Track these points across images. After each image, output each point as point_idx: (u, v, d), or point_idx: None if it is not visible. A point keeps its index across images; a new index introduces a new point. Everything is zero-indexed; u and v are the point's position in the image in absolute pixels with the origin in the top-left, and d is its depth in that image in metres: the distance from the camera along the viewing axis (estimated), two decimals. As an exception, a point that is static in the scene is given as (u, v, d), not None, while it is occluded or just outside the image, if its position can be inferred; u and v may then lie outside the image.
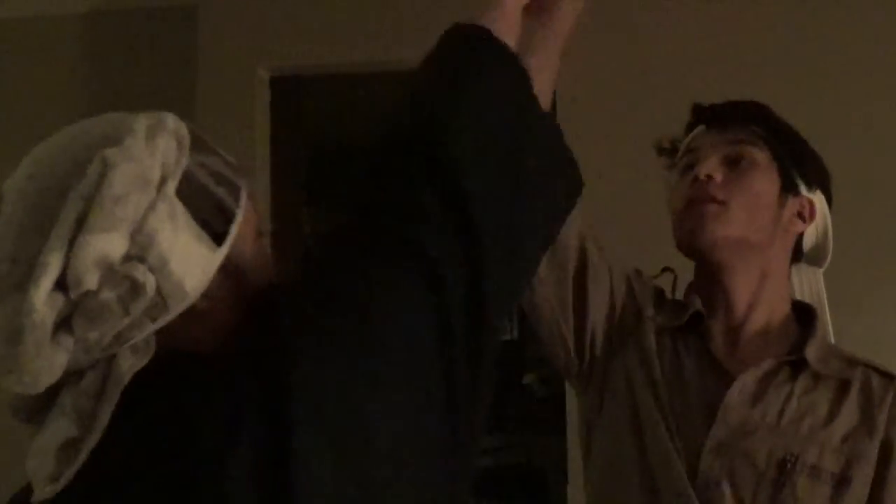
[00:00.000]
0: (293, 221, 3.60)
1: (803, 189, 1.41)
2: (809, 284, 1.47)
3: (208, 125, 3.50)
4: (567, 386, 2.96)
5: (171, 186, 0.82)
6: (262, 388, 0.78)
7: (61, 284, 0.77)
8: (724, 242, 1.33)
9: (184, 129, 0.87)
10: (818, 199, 1.43)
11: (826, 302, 1.47)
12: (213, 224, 0.84)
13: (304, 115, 3.99)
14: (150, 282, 0.78)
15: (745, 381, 1.32)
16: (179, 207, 0.81)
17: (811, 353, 1.34)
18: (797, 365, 1.35)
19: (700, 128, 1.44)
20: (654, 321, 1.40)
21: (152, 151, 0.82)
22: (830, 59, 2.92)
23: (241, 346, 0.83)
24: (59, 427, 0.79)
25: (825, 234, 1.44)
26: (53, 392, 0.81)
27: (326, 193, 4.91)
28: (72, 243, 0.77)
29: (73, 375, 0.81)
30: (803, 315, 1.43)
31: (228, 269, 0.86)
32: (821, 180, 1.44)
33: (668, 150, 1.49)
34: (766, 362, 1.34)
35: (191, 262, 0.81)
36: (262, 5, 3.17)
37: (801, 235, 1.43)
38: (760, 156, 1.38)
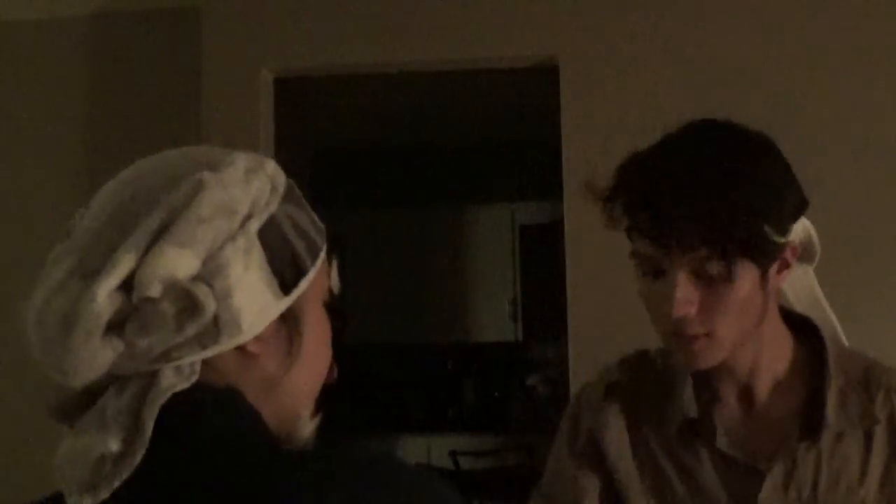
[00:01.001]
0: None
1: (781, 241, 1.21)
2: (801, 284, 1.37)
3: (212, 126, 3.52)
4: (570, 387, 2.96)
5: (255, 225, 0.84)
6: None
7: (127, 286, 0.79)
8: (720, 361, 1.26)
9: (282, 178, 0.89)
10: (798, 228, 1.26)
11: (822, 295, 1.37)
12: (285, 275, 0.86)
13: (308, 116, 4.00)
14: (210, 305, 0.80)
15: (774, 476, 1.26)
16: (257, 247, 0.83)
17: (831, 415, 1.26)
18: (816, 423, 1.27)
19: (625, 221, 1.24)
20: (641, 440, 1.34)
21: (247, 187, 0.84)
22: (832, 59, 2.93)
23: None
24: (98, 437, 0.80)
25: (808, 235, 1.30)
26: (92, 397, 0.83)
27: (331, 194, 4.92)
28: (147, 249, 0.79)
29: (114, 383, 0.82)
30: (806, 330, 1.34)
31: (287, 320, 0.87)
32: (796, 212, 1.24)
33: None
34: (786, 450, 1.26)
35: (253, 301, 0.83)
36: (266, 7, 3.17)
37: None
38: (726, 269, 1.17)
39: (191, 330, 0.80)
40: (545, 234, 4.71)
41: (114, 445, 0.79)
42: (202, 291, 0.80)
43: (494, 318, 5.87)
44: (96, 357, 0.79)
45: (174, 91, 3.30)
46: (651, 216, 1.16)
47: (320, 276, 0.91)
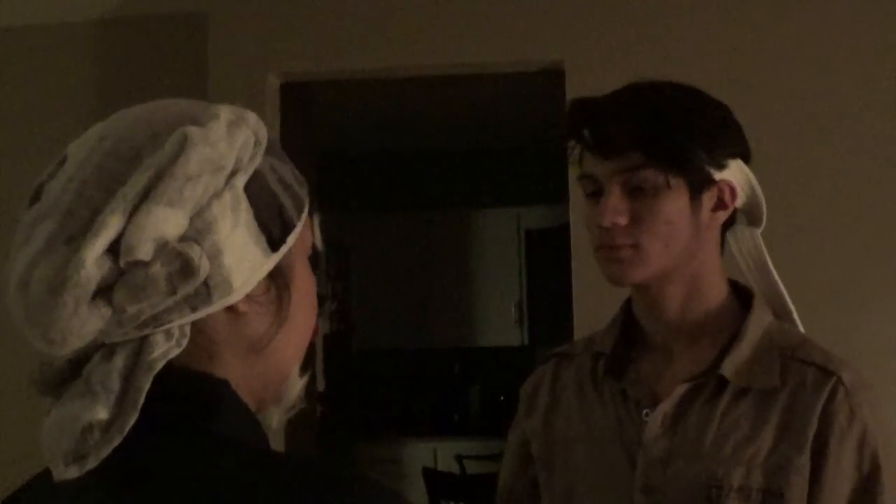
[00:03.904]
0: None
1: (715, 174, 1.27)
2: (748, 246, 1.37)
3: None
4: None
5: (241, 180, 0.81)
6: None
7: (113, 249, 0.76)
8: (646, 279, 1.28)
9: (263, 129, 0.87)
10: (735, 168, 1.29)
11: (770, 263, 1.37)
12: (273, 231, 0.83)
13: (314, 121, 4.00)
14: (204, 265, 0.77)
15: (664, 412, 1.27)
16: (244, 203, 0.81)
17: (729, 367, 1.27)
18: (711, 372, 1.28)
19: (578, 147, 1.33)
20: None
21: (231, 141, 0.81)
22: (836, 62, 2.92)
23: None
24: (85, 405, 0.76)
25: (753, 192, 1.32)
26: (76, 366, 0.80)
27: (337, 199, 4.93)
28: (134, 210, 0.76)
29: (100, 350, 0.79)
30: (745, 299, 1.35)
31: (276, 278, 0.84)
32: (731, 148, 1.29)
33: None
34: (679, 388, 1.27)
35: (243, 259, 0.80)
36: (273, 13, 3.18)
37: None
38: (660, 178, 1.24)
39: (183, 291, 0.77)
40: (551, 238, 4.70)
41: (102, 413, 0.76)
42: (195, 252, 0.77)
43: (500, 323, 5.87)
44: (84, 325, 0.76)
45: (181, 96, 3.30)
46: (591, 128, 1.27)
47: (305, 231, 0.88)
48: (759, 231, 1.36)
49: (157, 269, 0.76)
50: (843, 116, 2.89)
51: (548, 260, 4.94)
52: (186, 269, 0.76)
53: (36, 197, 0.83)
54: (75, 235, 0.76)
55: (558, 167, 3.26)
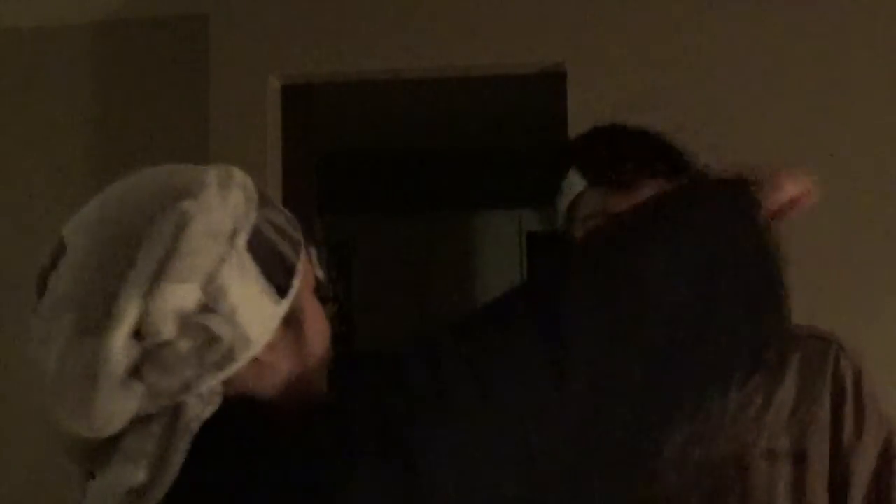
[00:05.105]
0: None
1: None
2: None
3: (220, 133, 3.52)
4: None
5: (242, 239, 0.84)
6: (382, 436, 0.78)
7: (136, 332, 0.79)
8: None
9: (250, 183, 0.90)
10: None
11: None
12: (279, 279, 0.87)
13: (315, 123, 4.00)
14: (226, 333, 0.80)
15: None
16: (248, 260, 0.84)
17: None
18: None
19: (581, 183, 1.39)
20: None
21: (225, 204, 0.84)
22: (838, 63, 2.92)
23: (343, 402, 0.85)
24: (125, 472, 0.79)
25: None
26: (115, 438, 0.82)
27: (338, 201, 4.92)
28: (149, 292, 0.79)
29: (138, 421, 0.81)
30: None
31: (290, 322, 0.88)
32: (685, 164, 1.40)
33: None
34: None
35: (256, 314, 0.84)
36: (273, 14, 3.17)
37: None
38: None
39: (210, 360, 0.80)
40: (553, 241, 4.70)
41: (142, 477, 0.79)
42: (215, 322, 0.80)
43: (502, 325, 5.86)
44: (124, 407, 0.79)
45: (181, 98, 3.31)
46: (600, 170, 1.35)
47: (306, 269, 0.92)
48: None
49: (183, 345, 0.79)
50: (850, 115, 2.89)
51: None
52: (210, 339, 0.80)
53: (41, 287, 0.85)
54: (96, 325, 0.79)
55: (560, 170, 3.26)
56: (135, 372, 0.79)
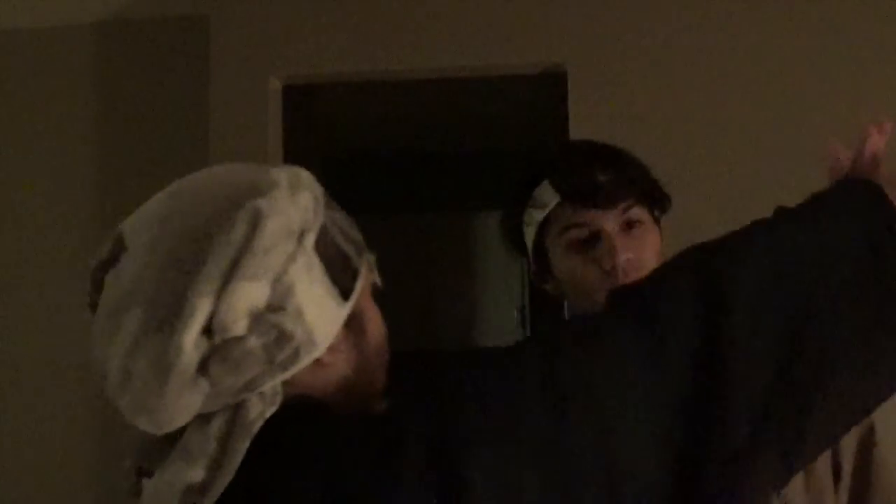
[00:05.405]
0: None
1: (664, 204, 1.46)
2: None
3: (221, 134, 3.50)
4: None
5: (310, 239, 0.84)
6: (434, 443, 0.78)
7: (206, 329, 0.79)
8: None
9: (317, 185, 0.90)
10: None
11: None
12: (343, 281, 0.87)
13: (316, 123, 4.00)
14: (297, 331, 0.80)
15: None
16: (315, 260, 0.84)
17: None
18: None
19: (555, 198, 1.39)
20: None
21: (297, 205, 0.85)
22: (839, 64, 2.92)
23: (407, 405, 0.84)
24: (183, 469, 0.79)
25: None
26: (174, 435, 0.82)
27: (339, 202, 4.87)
28: (221, 290, 0.79)
29: (199, 419, 0.81)
30: None
31: (352, 325, 0.89)
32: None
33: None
34: None
35: (322, 314, 0.84)
36: (274, 15, 3.17)
37: None
38: (645, 213, 1.39)
39: (279, 358, 0.80)
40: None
41: (199, 475, 0.79)
42: (286, 319, 0.80)
43: (503, 326, 5.86)
44: (189, 404, 0.79)
45: (182, 99, 3.31)
46: (584, 184, 1.36)
47: (367, 271, 0.93)
48: None
49: (253, 342, 0.79)
50: (850, 116, 2.89)
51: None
52: (281, 338, 0.80)
53: (97, 285, 0.85)
54: (166, 321, 0.79)
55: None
56: (201, 369, 0.79)
